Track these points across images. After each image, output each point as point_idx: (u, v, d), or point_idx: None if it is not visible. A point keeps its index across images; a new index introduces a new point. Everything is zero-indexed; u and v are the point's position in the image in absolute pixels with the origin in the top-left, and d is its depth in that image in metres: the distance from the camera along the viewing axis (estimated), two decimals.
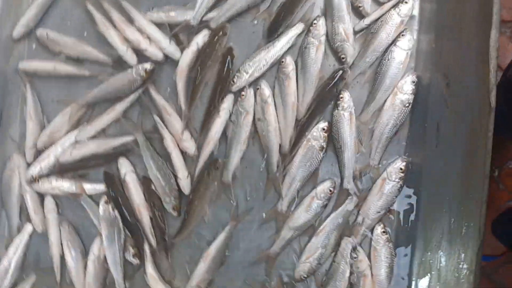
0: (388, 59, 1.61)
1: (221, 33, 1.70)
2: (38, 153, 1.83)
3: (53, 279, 1.83)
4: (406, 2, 1.60)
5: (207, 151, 1.73)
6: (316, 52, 1.64)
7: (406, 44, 1.60)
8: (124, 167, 1.77)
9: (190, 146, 1.73)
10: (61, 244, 1.82)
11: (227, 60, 1.70)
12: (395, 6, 1.61)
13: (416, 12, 1.64)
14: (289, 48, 1.68)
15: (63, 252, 1.82)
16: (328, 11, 1.65)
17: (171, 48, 1.73)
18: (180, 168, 1.73)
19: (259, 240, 1.73)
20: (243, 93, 1.69)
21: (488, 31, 1.39)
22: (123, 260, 1.77)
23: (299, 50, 1.68)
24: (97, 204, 1.79)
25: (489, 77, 1.34)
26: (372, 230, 1.64)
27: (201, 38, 1.71)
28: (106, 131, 1.81)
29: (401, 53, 1.60)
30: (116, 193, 1.78)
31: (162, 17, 1.74)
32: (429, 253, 1.63)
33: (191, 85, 1.72)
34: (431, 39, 1.61)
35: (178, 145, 1.74)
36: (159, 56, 1.74)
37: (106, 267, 1.79)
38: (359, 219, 1.64)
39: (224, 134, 1.73)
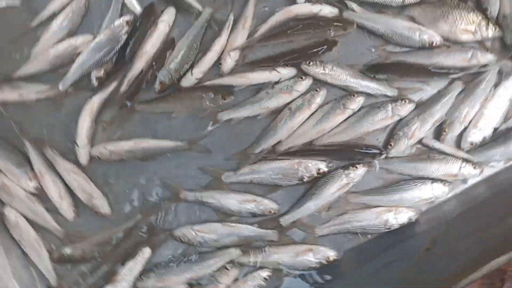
0: (415, 186, 1.59)
1: (343, 25, 1.64)
2: None
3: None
4: (474, 168, 1.58)
5: (232, 81, 1.66)
6: (381, 120, 1.60)
7: (440, 192, 1.59)
8: (168, 16, 1.69)
9: (229, 64, 1.66)
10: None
11: (324, 47, 1.64)
12: (465, 162, 1.58)
13: (467, 185, 1.63)
14: (369, 94, 1.63)
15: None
16: (421, 108, 1.62)
17: None
18: (203, 66, 1.66)
19: (186, 177, 1.68)
20: (302, 77, 1.64)
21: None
22: (87, 72, 1.69)
23: (374, 103, 1.63)
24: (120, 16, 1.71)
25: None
26: (259, 268, 1.61)
27: (328, 10, 1.64)
28: None
29: (427, 193, 1.59)
30: (141, 25, 1.69)
31: None
32: None
33: (281, 29, 1.65)
34: (457, 210, 1.59)
35: (222, 53, 1.67)
36: None
37: (70, 58, 1.70)
38: (264, 252, 1.62)
39: (260, 88, 1.67)
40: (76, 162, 1.69)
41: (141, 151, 1.68)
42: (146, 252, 1.64)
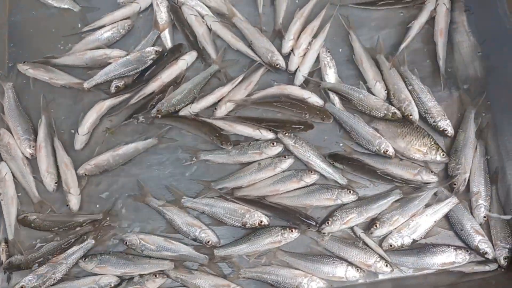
0: (332, 263, 1.82)
1: (322, 116, 1.95)
2: None
3: None
4: (386, 266, 1.80)
5: (221, 125, 1.96)
6: (326, 199, 1.87)
7: (351, 275, 1.81)
8: (189, 57, 2.05)
9: (222, 111, 1.98)
10: None
11: (301, 126, 1.94)
12: (380, 258, 1.81)
13: (378, 278, 1.85)
14: (323, 175, 1.92)
15: None
16: (362, 202, 1.88)
17: None
18: (201, 104, 1.98)
19: (157, 189, 1.96)
20: (274, 143, 1.93)
21: None
22: (110, 79, 2.03)
23: (325, 184, 1.91)
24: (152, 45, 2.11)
25: None
26: (182, 285, 1.86)
27: (315, 100, 1.96)
28: None
29: (340, 273, 1.81)
30: (166, 57, 2.05)
31: None
32: None
33: (273, 100, 1.99)
34: None
35: (220, 100, 2.01)
36: None
37: (101, 63, 2.06)
38: (191, 273, 1.85)
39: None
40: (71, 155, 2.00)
41: (121, 157, 1.97)
42: (89, 243, 1.89)
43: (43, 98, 2.05)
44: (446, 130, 1.91)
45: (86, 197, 1.98)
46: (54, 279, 1.85)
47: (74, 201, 1.93)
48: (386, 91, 1.97)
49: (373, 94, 1.97)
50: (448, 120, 1.92)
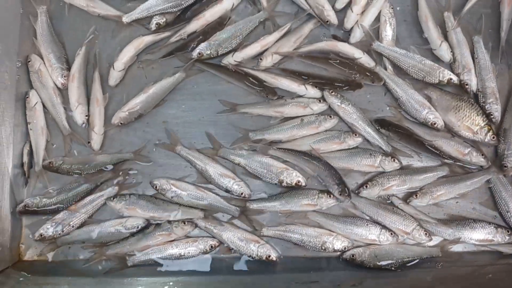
0: (366, 226, 1.78)
1: (373, 78, 1.83)
2: None
3: None
4: (426, 235, 1.75)
5: (265, 77, 1.85)
6: (367, 166, 1.81)
7: (385, 239, 1.77)
8: None
9: (268, 63, 1.86)
10: None
11: (349, 86, 1.84)
12: (420, 227, 1.76)
13: None
14: (367, 140, 1.84)
15: None
16: (406, 172, 1.81)
17: None
18: (245, 53, 1.86)
19: (188, 136, 1.88)
20: (321, 100, 1.84)
21: None
22: (151, 15, 1.89)
23: (368, 149, 1.83)
24: None
25: None
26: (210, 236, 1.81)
27: (366, 60, 1.86)
28: None
29: (373, 236, 1.77)
30: None
31: None
32: None
33: (321, 55, 1.87)
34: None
35: (265, 50, 1.89)
36: None
37: None
38: (220, 225, 1.80)
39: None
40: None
41: (152, 97, 1.86)
42: (112, 190, 1.84)
43: (93, 28, 1.93)
44: (492, 115, 1.81)
45: (113, 143, 1.90)
46: (73, 226, 1.81)
47: (96, 140, 1.86)
48: (452, 53, 1.85)
49: (437, 56, 1.86)
50: (499, 106, 1.82)
